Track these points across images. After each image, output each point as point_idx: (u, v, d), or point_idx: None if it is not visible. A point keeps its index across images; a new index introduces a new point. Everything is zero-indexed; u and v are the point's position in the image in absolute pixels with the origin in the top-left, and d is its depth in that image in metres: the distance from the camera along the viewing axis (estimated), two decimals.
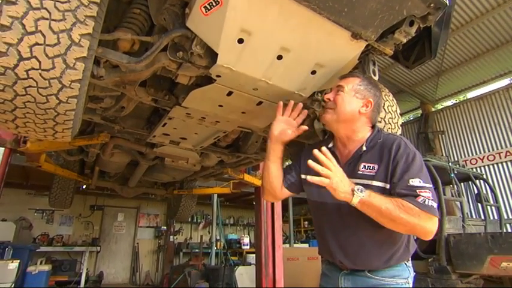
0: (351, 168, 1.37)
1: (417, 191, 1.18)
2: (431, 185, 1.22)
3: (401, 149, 1.29)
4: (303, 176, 1.55)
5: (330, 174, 1.19)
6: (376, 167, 1.31)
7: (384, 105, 2.02)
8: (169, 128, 2.35)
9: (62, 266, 7.90)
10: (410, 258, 1.39)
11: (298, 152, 2.67)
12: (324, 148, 1.27)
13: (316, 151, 1.24)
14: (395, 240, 1.32)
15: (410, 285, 1.33)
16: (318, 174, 1.33)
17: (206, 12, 1.28)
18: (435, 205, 1.18)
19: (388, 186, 1.26)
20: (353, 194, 1.16)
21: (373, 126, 1.46)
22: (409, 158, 1.26)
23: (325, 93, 1.46)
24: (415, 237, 1.40)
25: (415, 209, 1.14)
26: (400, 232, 1.29)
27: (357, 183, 1.30)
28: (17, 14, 1.00)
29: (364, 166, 1.34)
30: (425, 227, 1.16)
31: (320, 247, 1.54)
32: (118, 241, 10.42)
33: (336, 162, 1.41)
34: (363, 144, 1.38)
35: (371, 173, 1.31)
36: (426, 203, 1.16)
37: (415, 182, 1.20)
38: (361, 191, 1.17)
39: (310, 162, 1.23)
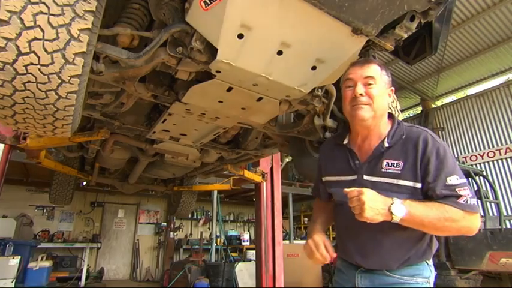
0: (372, 165, 1.27)
1: (457, 190, 1.12)
2: (465, 179, 1.16)
3: (430, 144, 1.18)
4: (323, 179, 1.49)
5: (359, 209, 1.08)
6: (402, 164, 1.20)
7: None
8: (169, 124, 2.35)
9: (62, 262, 7.94)
10: (431, 257, 1.32)
11: (298, 151, 2.68)
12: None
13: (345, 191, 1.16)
14: (417, 241, 1.25)
15: (432, 285, 1.25)
16: (341, 172, 1.36)
17: (206, 7, 1.27)
18: (475, 200, 1.14)
19: (418, 185, 1.17)
20: (392, 214, 1.07)
21: (390, 117, 1.36)
22: (440, 153, 1.16)
23: (348, 85, 1.33)
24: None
25: (460, 213, 1.10)
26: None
27: (380, 182, 1.23)
28: (15, 8, 0.99)
29: (388, 163, 1.23)
30: (470, 226, 1.13)
31: (337, 246, 1.45)
32: (118, 237, 10.46)
33: (355, 159, 1.34)
34: (384, 139, 1.27)
35: (396, 171, 1.21)
36: (468, 202, 1.11)
37: (453, 180, 1.13)
38: (400, 210, 1.07)
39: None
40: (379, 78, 1.29)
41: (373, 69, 1.30)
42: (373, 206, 1.07)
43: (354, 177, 1.32)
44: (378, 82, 1.28)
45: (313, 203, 1.67)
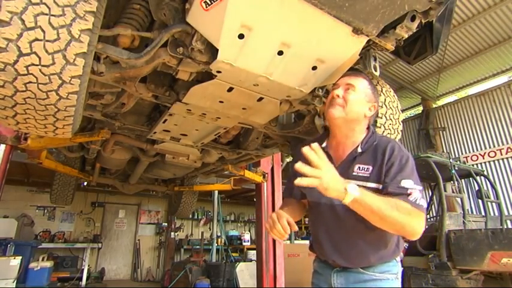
0: (345, 169, 1.36)
1: (408, 191, 1.21)
2: (421, 187, 1.25)
3: (396, 151, 1.31)
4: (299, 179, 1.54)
5: (319, 174, 1.12)
6: (370, 168, 1.32)
7: (385, 101, 2.01)
8: (169, 124, 2.35)
9: (63, 262, 7.95)
10: (399, 256, 1.43)
11: (298, 151, 2.68)
12: (314, 144, 1.19)
13: (305, 149, 1.17)
14: (386, 241, 1.35)
15: (399, 280, 1.38)
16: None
17: (206, 7, 1.28)
18: (425, 204, 1.22)
19: (380, 186, 1.28)
20: (346, 193, 1.12)
21: (367, 128, 1.46)
22: (403, 160, 1.29)
23: (333, 89, 1.44)
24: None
25: (407, 207, 1.16)
26: (390, 232, 1.29)
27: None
28: (16, 9, 0.99)
29: (359, 167, 1.34)
30: (414, 226, 1.17)
31: (313, 244, 1.55)
32: (119, 238, 10.46)
33: (329, 161, 1.42)
34: (358, 146, 1.38)
35: (365, 175, 1.32)
36: (417, 201, 1.19)
37: (407, 183, 1.23)
38: (355, 190, 1.13)
39: (298, 165, 1.15)
40: (360, 88, 1.41)
41: (357, 80, 1.42)
42: (333, 178, 1.14)
43: None
44: (357, 90, 1.40)
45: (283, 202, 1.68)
